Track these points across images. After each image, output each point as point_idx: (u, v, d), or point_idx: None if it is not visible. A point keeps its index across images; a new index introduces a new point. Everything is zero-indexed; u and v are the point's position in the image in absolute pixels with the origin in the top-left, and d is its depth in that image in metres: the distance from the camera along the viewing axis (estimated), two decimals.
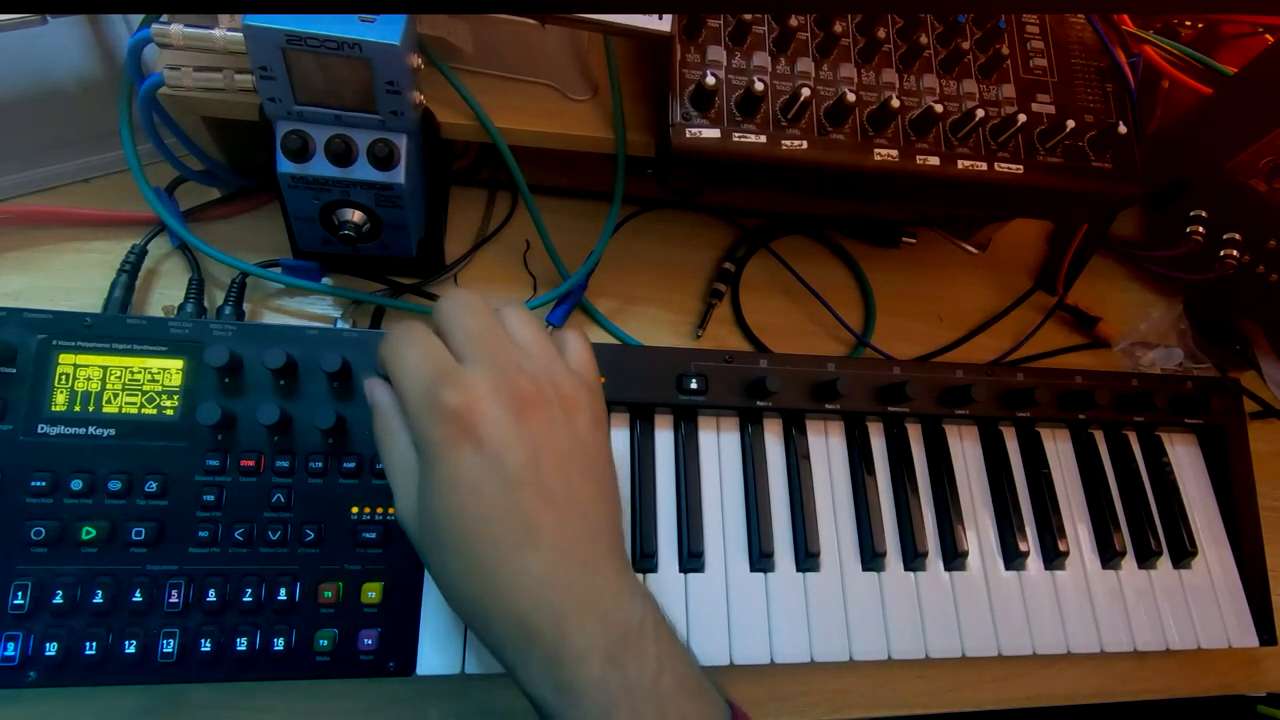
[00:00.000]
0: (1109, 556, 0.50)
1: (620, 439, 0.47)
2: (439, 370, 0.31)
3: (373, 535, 0.40)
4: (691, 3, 0.44)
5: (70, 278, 0.47)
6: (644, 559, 0.44)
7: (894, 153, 0.46)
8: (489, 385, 0.31)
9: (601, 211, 0.54)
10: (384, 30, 0.37)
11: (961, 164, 0.46)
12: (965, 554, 0.48)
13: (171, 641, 0.37)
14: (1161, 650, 0.49)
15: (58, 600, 0.36)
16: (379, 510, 0.41)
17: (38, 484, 0.37)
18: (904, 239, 0.63)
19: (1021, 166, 0.47)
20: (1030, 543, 0.50)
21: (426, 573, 0.39)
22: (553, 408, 0.32)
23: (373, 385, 0.35)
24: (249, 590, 0.38)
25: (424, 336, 0.33)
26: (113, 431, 0.39)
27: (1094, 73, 0.51)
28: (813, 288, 0.59)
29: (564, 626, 0.29)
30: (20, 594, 0.36)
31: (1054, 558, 0.49)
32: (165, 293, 0.48)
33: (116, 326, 0.40)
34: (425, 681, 0.41)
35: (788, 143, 0.45)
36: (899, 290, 0.62)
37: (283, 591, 0.38)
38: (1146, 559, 0.51)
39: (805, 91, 0.44)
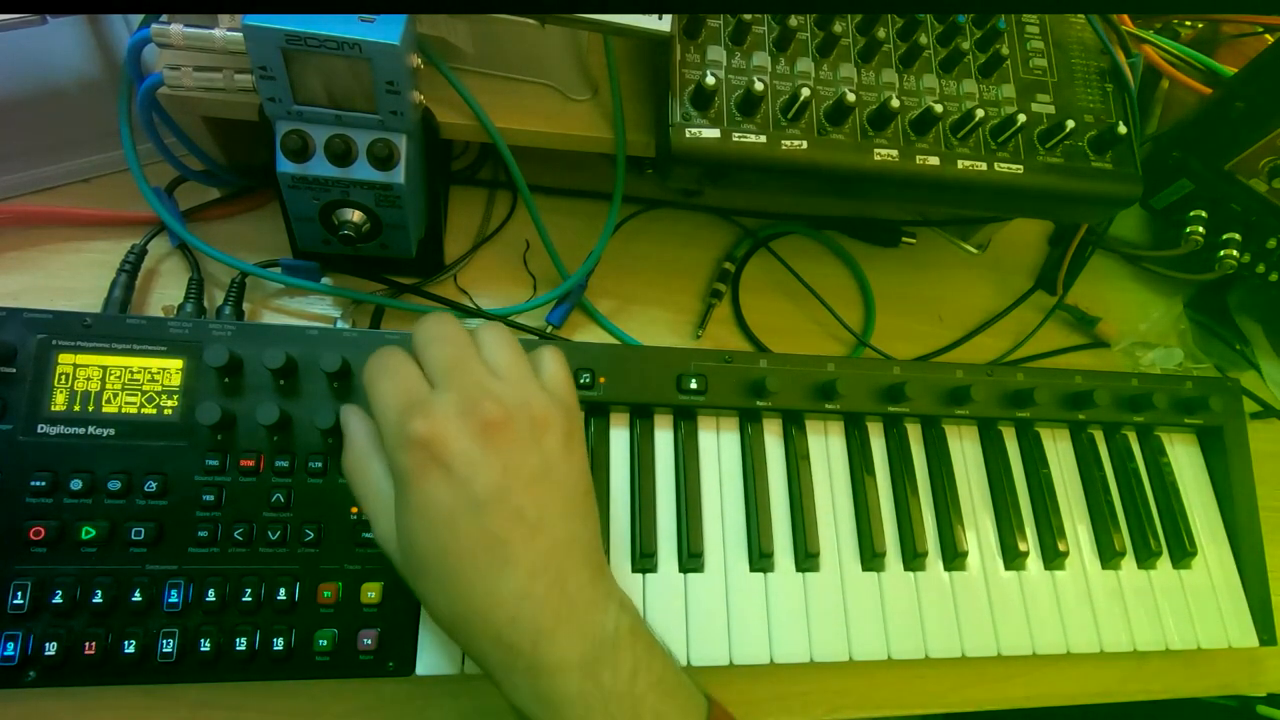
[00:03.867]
0: (1109, 556, 0.50)
1: (620, 439, 0.47)
2: (409, 399, 0.33)
3: (372, 535, 0.40)
4: (691, 3, 0.44)
5: (70, 278, 0.47)
6: (644, 559, 0.44)
7: (894, 153, 0.46)
8: (456, 411, 0.32)
9: (601, 211, 0.54)
10: (384, 30, 0.37)
11: (961, 164, 0.46)
12: (965, 554, 0.48)
13: (171, 641, 0.37)
14: (1161, 650, 0.49)
15: (57, 600, 0.36)
16: None
17: (37, 484, 0.37)
18: (904, 239, 0.63)
19: (1021, 166, 0.47)
20: (1030, 543, 0.49)
21: None
22: (521, 429, 0.33)
23: (348, 413, 0.36)
24: (248, 590, 0.38)
25: (400, 365, 0.34)
26: (112, 431, 0.39)
27: (1094, 73, 0.51)
28: (813, 288, 0.59)
29: (540, 641, 0.31)
30: (20, 594, 0.36)
31: (1054, 558, 0.49)
32: (165, 293, 0.48)
33: (116, 326, 0.40)
34: (425, 681, 0.41)
35: (788, 143, 0.45)
36: (899, 290, 0.62)
37: (282, 591, 0.38)
38: (1146, 559, 0.51)
39: (805, 91, 0.44)
